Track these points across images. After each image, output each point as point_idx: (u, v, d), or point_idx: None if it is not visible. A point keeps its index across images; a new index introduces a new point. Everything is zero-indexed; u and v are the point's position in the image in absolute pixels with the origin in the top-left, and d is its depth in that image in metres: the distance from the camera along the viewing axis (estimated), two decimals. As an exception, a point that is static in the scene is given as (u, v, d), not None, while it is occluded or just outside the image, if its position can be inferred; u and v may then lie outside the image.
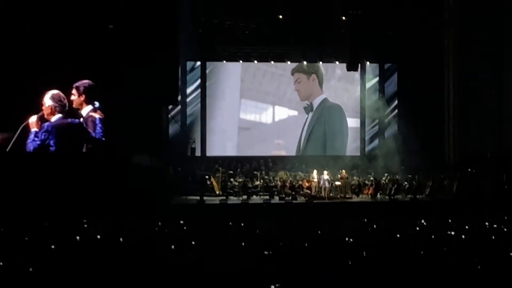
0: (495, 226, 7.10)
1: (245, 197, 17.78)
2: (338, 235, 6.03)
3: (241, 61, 21.34)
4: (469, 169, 18.05)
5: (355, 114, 22.07)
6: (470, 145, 18.79)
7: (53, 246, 4.66)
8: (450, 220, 7.90)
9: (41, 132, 6.17)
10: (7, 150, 6.12)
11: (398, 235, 5.94)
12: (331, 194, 18.21)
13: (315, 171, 18.45)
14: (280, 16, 19.75)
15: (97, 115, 6.61)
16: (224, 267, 4.21)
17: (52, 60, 13.41)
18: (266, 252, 4.73)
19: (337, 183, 18.53)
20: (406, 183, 18.71)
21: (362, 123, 22.07)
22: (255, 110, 21.81)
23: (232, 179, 18.95)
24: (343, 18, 19.73)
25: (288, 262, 4.42)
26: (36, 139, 6.15)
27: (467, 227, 6.90)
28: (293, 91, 21.71)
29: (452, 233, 6.23)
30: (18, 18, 13.78)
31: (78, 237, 5.21)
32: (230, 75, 21.63)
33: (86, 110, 6.68)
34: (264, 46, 20.91)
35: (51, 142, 6.15)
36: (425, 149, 19.24)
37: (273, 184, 18.68)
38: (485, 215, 9.00)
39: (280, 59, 21.36)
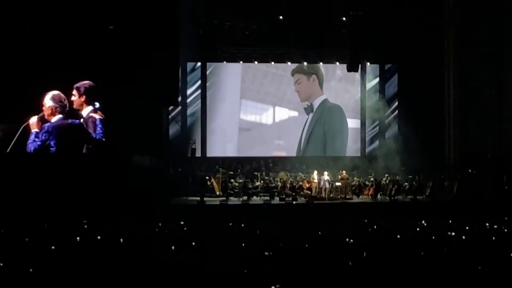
0: (495, 226, 7.09)
1: (245, 197, 17.79)
2: (338, 235, 6.02)
3: (241, 62, 21.36)
4: (470, 170, 18.05)
5: (355, 114, 22.08)
6: (470, 145, 18.80)
7: (53, 247, 4.65)
8: (450, 221, 7.88)
9: (42, 132, 6.17)
10: (8, 150, 6.12)
11: (398, 236, 5.93)
12: (331, 195, 18.23)
13: (315, 172, 18.46)
14: (281, 17, 19.77)
15: (97, 116, 6.61)
16: (225, 267, 4.21)
17: (52, 60, 13.40)
18: (266, 253, 4.73)
19: (338, 183, 18.55)
20: (406, 183, 18.73)
21: (363, 124, 22.08)
22: (256, 111, 21.82)
23: (232, 180, 18.96)
24: (344, 19, 19.75)
25: (288, 263, 4.42)
26: (36, 139, 6.15)
27: (467, 227, 6.89)
28: (293, 92, 21.72)
29: (453, 233, 6.23)
30: (18, 18, 13.77)
31: (78, 238, 5.21)
32: (230, 75, 21.65)
33: (86, 110, 6.68)
34: (265, 47, 20.93)
35: (52, 143, 6.15)
36: (425, 150, 19.25)
37: (274, 185, 18.68)
38: (485, 216, 8.99)
39: (281, 59, 21.39)
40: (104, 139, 6.53)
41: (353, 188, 18.84)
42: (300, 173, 19.82)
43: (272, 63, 21.45)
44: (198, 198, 16.77)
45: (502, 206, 14.28)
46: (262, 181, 19.02)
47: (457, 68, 19.59)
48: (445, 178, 18.72)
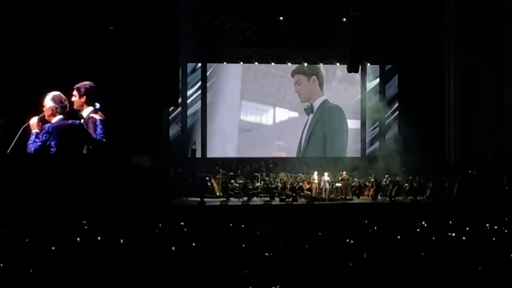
0: (495, 227, 7.10)
1: (245, 198, 17.77)
2: (338, 236, 6.03)
3: (241, 63, 21.34)
4: (470, 171, 18.04)
5: (355, 115, 22.06)
6: (470, 145, 18.79)
7: (53, 248, 4.66)
8: (450, 222, 7.90)
9: (42, 133, 6.17)
10: (8, 151, 6.13)
11: (398, 237, 5.94)
12: (331, 196, 18.22)
13: (315, 173, 18.45)
14: (281, 18, 19.75)
15: (97, 116, 6.61)
16: (225, 268, 4.22)
17: (52, 61, 13.40)
18: (266, 253, 4.73)
19: (338, 184, 18.53)
20: (406, 184, 18.71)
21: (363, 125, 22.05)
22: (256, 112, 21.81)
23: (232, 181, 18.95)
24: (344, 19, 19.74)
25: (288, 264, 4.42)
26: (37, 140, 6.15)
27: (467, 228, 6.90)
28: (293, 93, 21.70)
29: (453, 234, 6.24)
30: (18, 18, 13.77)
31: (78, 239, 5.21)
32: (230, 76, 21.65)
33: (86, 111, 6.69)
34: (265, 48, 20.91)
35: (52, 143, 6.16)
36: (425, 150, 19.23)
37: (274, 185, 18.67)
38: (485, 216, 9.00)
39: (281, 60, 21.37)
40: (104, 140, 6.54)
41: (353, 189, 18.83)
42: (300, 174, 19.81)
43: (272, 63, 21.43)
44: (198, 199, 16.75)
45: (502, 206, 14.27)
46: (262, 182, 19.01)
47: (457, 68, 19.57)
48: (445, 179, 18.70)
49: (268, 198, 17.69)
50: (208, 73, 21.36)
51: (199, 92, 21.31)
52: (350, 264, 4.28)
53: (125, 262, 4.37)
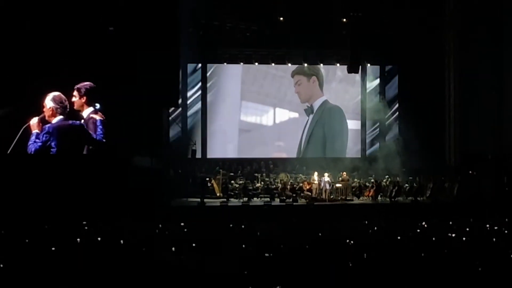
0: (495, 227, 7.10)
1: (245, 199, 17.78)
2: (338, 236, 6.02)
3: (242, 63, 21.35)
4: (470, 171, 18.04)
5: (355, 116, 22.07)
6: (470, 146, 18.79)
7: (53, 248, 4.65)
8: (450, 222, 7.89)
9: (42, 133, 6.17)
10: (8, 152, 6.13)
11: (398, 237, 5.94)
12: (331, 196, 18.22)
13: (315, 173, 18.46)
14: (281, 18, 19.77)
15: (98, 117, 6.61)
16: (225, 268, 4.21)
17: (53, 61, 13.40)
18: (266, 254, 4.73)
19: (338, 185, 18.54)
20: (406, 185, 18.72)
21: (363, 125, 22.06)
22: (256, 112, 21.82)
23: (232, 181, 18.97)
24: (344, 20, 19.75)
25: (288, 264, 4.42)
26: (37, 140, 6.15)
27: (467, 228, 6.90)
28: (293, 93, 21.71)
29: (453, 235, 6.23)
30: (18, 18, 13.77)
31: (78, 239, 5.21)
32: (231, 77, 21.66)
33: (87, 111, 6.69)
34: (265, 48, 20.93)
35: (52, 144, 6.16)
36: (425, 151, 19.24)
37: (274, 186, 18.69)
38: (485, 217, 8.99)
39: (281, 61, 21.37)
40: (104, 140, 6.54)
41: (354, 189, 18.84)
42: (300, 175, 19.82)
43: (273, 64, 21.44)
44: (199, 199, 16.75)
45: (502, 207, 14.26)
46: (262, 183, 19.02)
47: (457, 68, 19.58)
48: (446, 179, 18.70)
49: (268, 199, 17.70)
50: (208, 74, 21.37)
51: (199, 92, 21.32)
52: (350, 265, 4.28)
53: (125, 263, 4.37)
